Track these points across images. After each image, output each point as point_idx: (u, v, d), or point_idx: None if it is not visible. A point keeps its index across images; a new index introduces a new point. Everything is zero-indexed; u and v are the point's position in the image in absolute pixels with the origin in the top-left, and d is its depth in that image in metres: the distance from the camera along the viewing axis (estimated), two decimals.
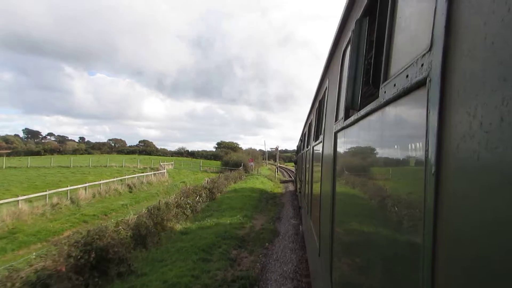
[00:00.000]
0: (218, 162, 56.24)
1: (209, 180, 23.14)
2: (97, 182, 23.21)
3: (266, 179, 33.37)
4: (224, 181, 25.70)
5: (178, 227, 12.19)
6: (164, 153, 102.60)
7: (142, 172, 32.68)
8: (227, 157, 50.91)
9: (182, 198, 15.08)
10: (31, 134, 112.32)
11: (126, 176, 27.63)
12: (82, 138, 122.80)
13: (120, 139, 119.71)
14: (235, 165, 42.71)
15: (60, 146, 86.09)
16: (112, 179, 25.83)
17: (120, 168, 39.11)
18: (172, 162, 47.92)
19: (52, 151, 74.57)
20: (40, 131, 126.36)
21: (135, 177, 28.22)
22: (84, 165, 39.29)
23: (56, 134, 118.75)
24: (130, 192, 25.01)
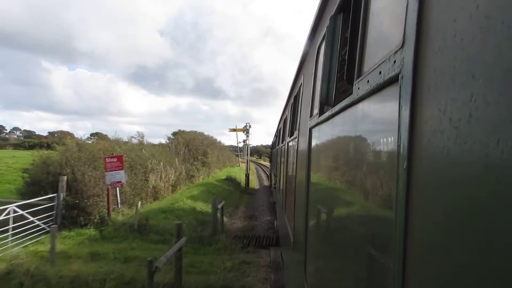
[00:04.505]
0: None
1: None
2: None
3: None
4: None
5: None
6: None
7: None
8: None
9: None
10: None
11: None
12: (51, 133, 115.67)
13: (68, 132, 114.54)
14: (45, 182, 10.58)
15: None
16: None
17: None
18: None
19: None
20: (4, 126, 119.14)
21: None
22: None
23: (22, 129, 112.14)
24: None
